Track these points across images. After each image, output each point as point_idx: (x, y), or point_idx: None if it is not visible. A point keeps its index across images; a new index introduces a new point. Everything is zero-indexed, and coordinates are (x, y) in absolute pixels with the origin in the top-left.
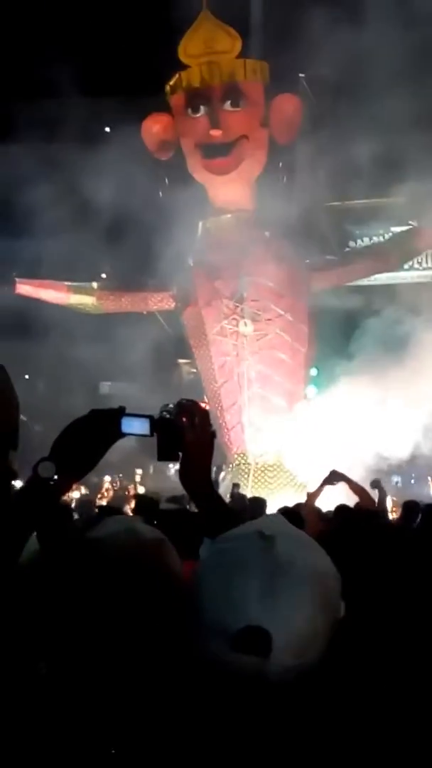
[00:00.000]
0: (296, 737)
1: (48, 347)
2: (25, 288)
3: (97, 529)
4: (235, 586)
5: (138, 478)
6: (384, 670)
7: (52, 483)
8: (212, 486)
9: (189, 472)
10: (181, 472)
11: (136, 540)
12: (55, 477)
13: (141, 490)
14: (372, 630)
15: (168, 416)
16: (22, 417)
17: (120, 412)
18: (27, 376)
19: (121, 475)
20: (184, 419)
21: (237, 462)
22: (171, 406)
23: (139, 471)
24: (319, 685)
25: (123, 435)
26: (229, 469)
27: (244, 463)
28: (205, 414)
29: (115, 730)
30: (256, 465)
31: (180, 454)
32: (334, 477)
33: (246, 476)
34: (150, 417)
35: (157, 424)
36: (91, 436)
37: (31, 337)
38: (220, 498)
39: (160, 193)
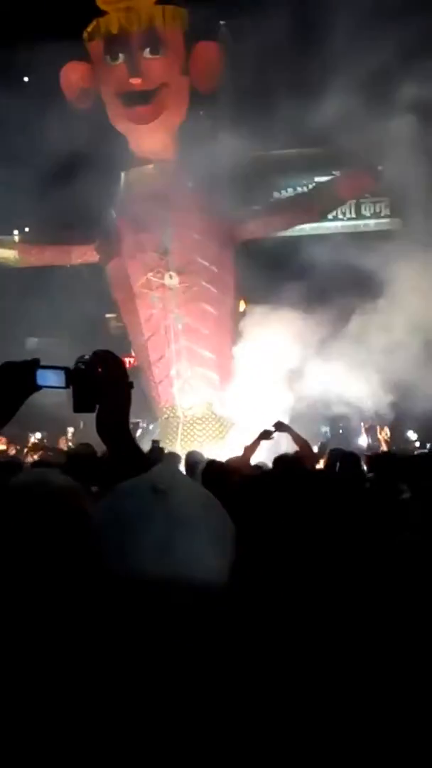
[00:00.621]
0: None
1: None
2: None
3: (11, 480)
4: (129, 543)
5: (70, 435)
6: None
7: None
8: (128, 434)
9: (104, 421)
10: (97, 421)
11: (46, 488)
12: None
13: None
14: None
15: (83, 367)
16: None
17: (34, 364)
18: None
19: (45, 433)
20: (99, 369)
21: (165, 416)
22: (87, 357)
23: (71, 429)
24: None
25: (39, 388)
26: (157, 423)
27: (172, 416)
28: (120, 363)
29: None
30: (185, 418)
31: (97, 405)
32: (279, 428)
33: (175, 430)
34: (65, 369)
35: (72, 376)
36: (6, 388)
37: None
38: (136, 447)
39: (82, 144)
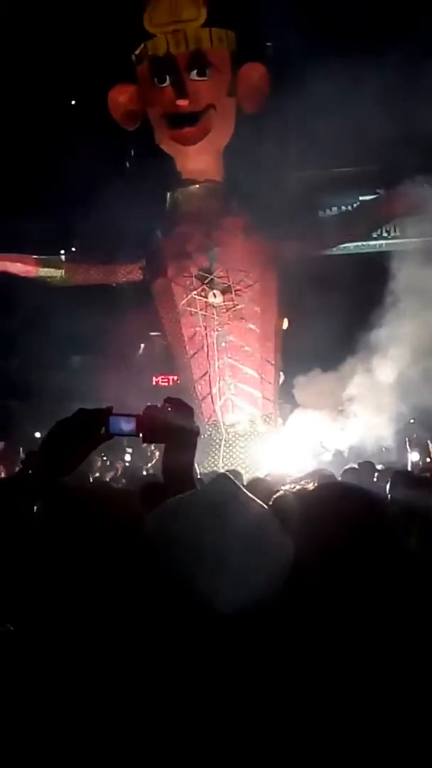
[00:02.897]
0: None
1: (19, 322)
2: None
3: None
4: (186, 562)
5: (128, 457)
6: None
7: (39, 474)
8: (193, 479)
9: (170, 465)
10: (164, 464)
11: (106, 489)
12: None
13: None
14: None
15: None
16: None
17: (107, 413)
18: None
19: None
20: (168, 407)
21: (208, 433)
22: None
23: (129, 449)
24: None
25: (111, 436)
26: (200, 441)
27: (215, 434)
28: (189, 409)
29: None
30: (227, 435)
31: (162, 438)
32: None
33: (218, 447)
34: (136, 416)
35: (142, 420)
36: (78, 437)
37: (2, 313)
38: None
39: (128, 165)
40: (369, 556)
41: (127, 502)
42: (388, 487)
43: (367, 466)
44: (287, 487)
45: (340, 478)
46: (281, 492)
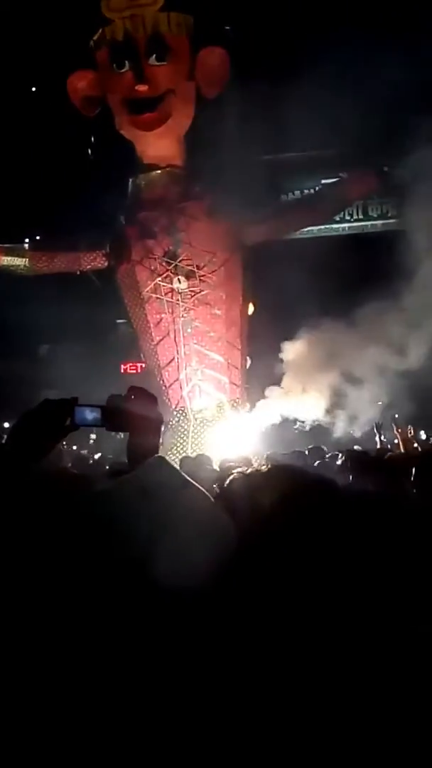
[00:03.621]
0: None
1: None
2: None
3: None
4: (116, 545)
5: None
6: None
7: (6, 467)
8: None
9: (135, 450)
10: (128, 450)
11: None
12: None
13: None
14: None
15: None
16: None
17: (73, 403)
18: None
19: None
20: (131, 396)
21: (176, 419)
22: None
23: (93, 435)
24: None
25: (77, 427)
26: (169, 427)
27: (183, 419)
28: (153, 397)
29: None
30: (195, 421)
31: (125, 427)
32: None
33: (185, 433)
34: (101, 407)
35: (107, 411)
36: (45, 426)
37: None
38: None
39: (89, 152)
40: (311, 537)
41: (83, 486)
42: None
43: (316, 449)
44: (242, 469)
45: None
46: (234, 475)
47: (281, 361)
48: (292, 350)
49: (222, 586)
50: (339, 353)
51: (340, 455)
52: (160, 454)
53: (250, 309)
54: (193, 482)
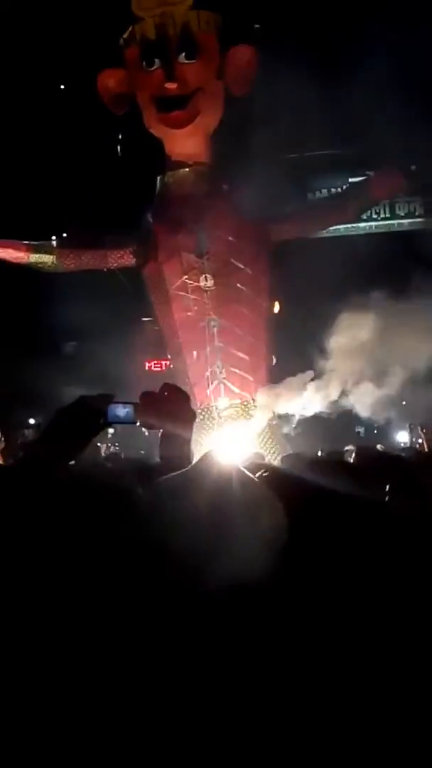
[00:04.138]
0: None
1: (10, 309)
2: None
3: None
4: (173, 543)
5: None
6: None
7: (41, 461)
8: (190, 464)
9: (168, 447)
10: (161, 445)
11: (101, 470)
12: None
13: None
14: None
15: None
16: None
17: (108, 400)
18: None
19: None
20: (165, 393)
21: (201, 417)
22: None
23: (110, 429)
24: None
25: (110, 424)
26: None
27: (207, 418)
28: (185, 395)
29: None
30: (219, 420)
31: (159, 424)
32: None
33: (210, 432)
34: (134, 404)
35: (140, 405)
36: (79, 426)
37: None
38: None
39: (117, 149)
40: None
41: (122, 481)
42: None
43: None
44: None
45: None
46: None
47: (319, 350)
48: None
49: (275, 583)
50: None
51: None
52: (209, 450)
53: (276, 307)
54: (247, 472)
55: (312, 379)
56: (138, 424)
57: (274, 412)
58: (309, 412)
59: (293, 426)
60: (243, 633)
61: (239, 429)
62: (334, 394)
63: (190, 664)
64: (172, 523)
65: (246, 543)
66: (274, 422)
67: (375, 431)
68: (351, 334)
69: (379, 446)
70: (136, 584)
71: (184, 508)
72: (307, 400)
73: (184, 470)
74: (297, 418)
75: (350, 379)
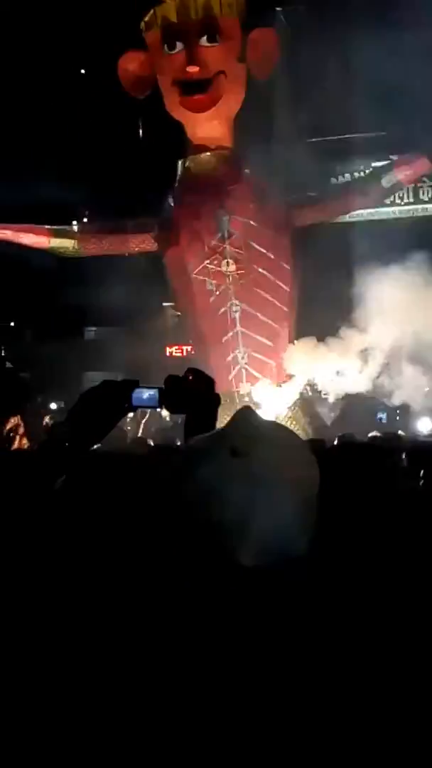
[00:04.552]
0: (287, 632)
1: (32, 294)
2: (4, 233)
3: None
4: (209, 510)
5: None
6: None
7: (66, 445)
8: None
9: (192, 431)
10: (186, 430)
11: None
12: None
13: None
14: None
15: (175, 382)
16: (9, 364)
17: (133, 385)
18: (12, 323)
19: None
20: (190, 377)
21: (223, 402)
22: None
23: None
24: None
25: (134, 408)
26: None
27: (230, 403)
28: (210, 379)
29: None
30: (241, 405)
31: (184, 408)
32: None
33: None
34: (159, 388)
35: (165, 392)
36: (103, 408)
37: (15, 285)
38: None
39: (140, 132)
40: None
41: (151, 465)
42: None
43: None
44: None
45: None
46: None
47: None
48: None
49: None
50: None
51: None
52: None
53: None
54: (285, 426)
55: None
56: (162, 408)
57: (308, 386)
58: (351, 389)
59: (330, 410)
60: (269, 611)
61: (268, 397)
62: (373, 371)
63: (215, 640)
64: (203, 488)
65: (277, 519)
66: (308, 395)
67: (397, 418)
68: (392, 294)
69: (401, 432)
70: (167, 559)
71: (213, 476)
72: (346, 374)
73: (213, 433)
74: (332, 399)
75: (390, 355)
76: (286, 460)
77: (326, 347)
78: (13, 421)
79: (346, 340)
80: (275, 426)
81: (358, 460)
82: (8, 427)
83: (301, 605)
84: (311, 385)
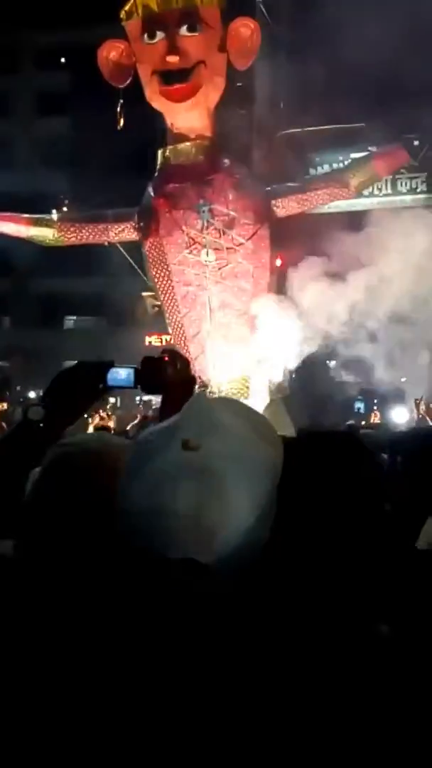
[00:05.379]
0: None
1: (11, 283)
2: None
3: (71, 438)
4: (158, 506)
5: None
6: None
7: (40, 426)
8: None
9: (167, 411)
10: (161, 410)
11: (101, 441)
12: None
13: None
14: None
15: (151, 361)
16: None
17: (108, 366)
18: None
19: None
20: (166, 358)
21: (201, 391)
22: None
23: (112, 399)
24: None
25: (110, 388)
26: None
27: (208, 392)
28: (186, 360)
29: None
30: (220, 393)
31: (159, 388)
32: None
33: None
34: (134, 368)
35: (140, 372)
36: (78, 388)
37: None
38: None
39: (121, 122)
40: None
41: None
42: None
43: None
44: None
45: None
46: None
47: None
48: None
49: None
50: None
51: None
52: (200, 390)
53: (278, 262)
54: (246, 407)
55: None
56: (138, 388)
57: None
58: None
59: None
60: (235, 610)
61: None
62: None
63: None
64: (155, 482)
65: (238, 491)
66: (278, 396)
67: (375, 408)
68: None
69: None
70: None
71: (162, 470)
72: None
73: (163, 425)
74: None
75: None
76: (242, 450)
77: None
78: None
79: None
80: (233, 410)
81: (327, 448)
82: None
83: (255, 602)
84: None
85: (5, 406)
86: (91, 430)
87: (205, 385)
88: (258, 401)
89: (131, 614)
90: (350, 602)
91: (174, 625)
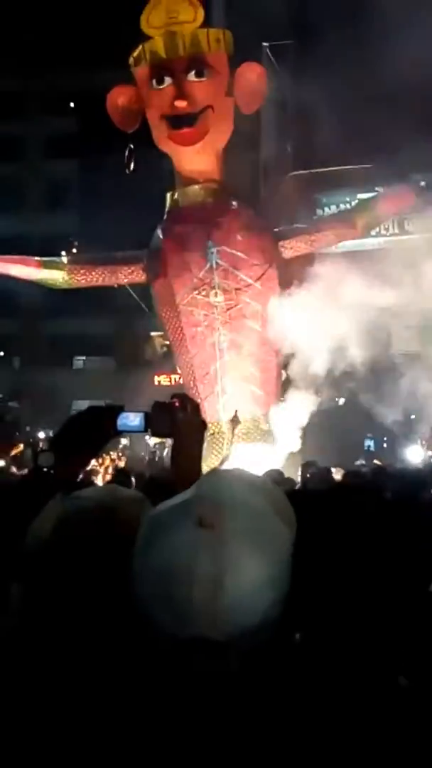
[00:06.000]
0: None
1: (21, 324)
2: None
3: (83, 491)
4: (174, 585)
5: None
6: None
7: (51, 472)
8: (200, 473)
9: (178, 456)
10: (172, 456)
11: (114, 496)
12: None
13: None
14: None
15: (161, 406)
16: None
17: (118, 410)
18: (2, 353)
19: None
20: (176, 402)
21: (211, 431)
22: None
23: (124, 441)
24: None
25: (119, 433)
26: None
27: (218, 433)
28: (196, 404)
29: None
30: (230, 435)
31: (170, 432)
32: None
33: (221, 446)
34: (145, 413)
35: (150, 416)
36: (88, 433)
37: (4, 314)
38: None
39: (131, 166)
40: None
41: (137, 511)
42: None
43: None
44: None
45: None
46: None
47: None
48: None
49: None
50: None
51: None
52: (215, 467)
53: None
54: (261, 482)
55: None
56: (148, 433)
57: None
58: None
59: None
60: (248, 690)
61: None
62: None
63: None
64: (169, 560)
65: (254, 569)
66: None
67: (384, 445)
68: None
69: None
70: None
71: (181, 539)
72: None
73: (177, 500)
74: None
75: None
76: (256, 527)
77: None
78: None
79: None
80: (248, 485)
81: (333, 508)
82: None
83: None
84: None
85: (21, 447)
86: (101, 471)
87: (215, 426)
88: (269, 441)
89: (141, 694)
90: (369, 672)
91: (185, 706)
